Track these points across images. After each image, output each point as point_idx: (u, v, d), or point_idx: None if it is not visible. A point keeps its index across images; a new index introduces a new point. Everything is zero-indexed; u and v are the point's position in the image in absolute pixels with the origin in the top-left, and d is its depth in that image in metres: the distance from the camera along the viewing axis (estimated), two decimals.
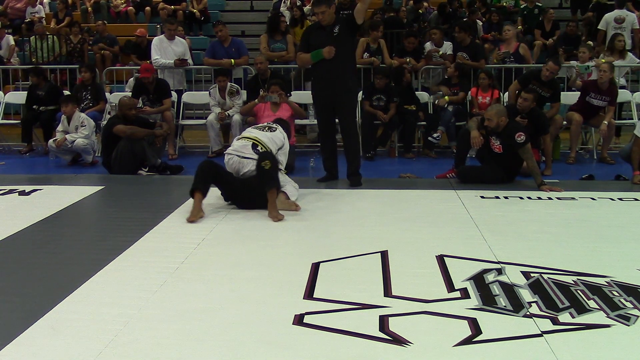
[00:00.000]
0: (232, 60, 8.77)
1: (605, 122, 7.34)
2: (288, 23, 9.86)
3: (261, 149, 5.14)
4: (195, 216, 4.78)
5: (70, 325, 2.93)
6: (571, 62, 8.93)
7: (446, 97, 8.15)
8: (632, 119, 8.24)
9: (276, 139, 5.34)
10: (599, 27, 10.35)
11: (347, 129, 6.15)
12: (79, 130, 7.57)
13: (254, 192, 5.03)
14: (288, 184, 5.32)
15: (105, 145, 7.12)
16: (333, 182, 6.21)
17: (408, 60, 8.76)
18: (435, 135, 8.05)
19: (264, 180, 4.91)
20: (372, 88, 8.10)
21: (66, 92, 8.82)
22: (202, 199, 4.92)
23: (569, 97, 8.19)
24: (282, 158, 5.36)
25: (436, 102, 8.30)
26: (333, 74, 5.90)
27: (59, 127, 7.70)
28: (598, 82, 7.47)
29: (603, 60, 8.14)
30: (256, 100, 7.39)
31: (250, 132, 5.42)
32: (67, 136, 7.55)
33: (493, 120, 5.96)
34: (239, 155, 5.11)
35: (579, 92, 7.79)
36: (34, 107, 8.51)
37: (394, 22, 10.69)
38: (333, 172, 6.26)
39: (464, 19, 10.58)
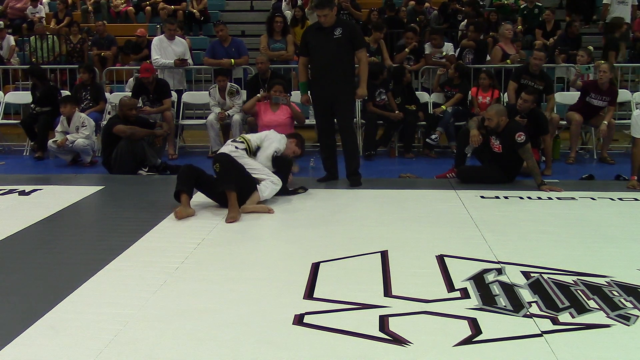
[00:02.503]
0: (232, 60, 8.78)
1: (605, 122, 7.35)
2: (289, 23, 9.85)
3: (239, 139, 5.45)
4: (182, 212, 4.83)
5: (70, 325, 2.93)
6: (569, 65, 8.90)
7: (443, 107, 8.17)
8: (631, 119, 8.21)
9: (262, 136, 5.55)
10: (603, 1, 10.61)
11: (346, 128, 6.14)
12: (79, 130, 7.57)
13: None
14: (267, 179, 5.25)
15: (105, 145, 7.11)
16: (333, 182, 6.21)
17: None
18: (433, 137, 8.04)
19: (218, 183, 5.05)
20: (371, 86, 8.06)
21: (66, 93, 8.81)
22: (189, 199, 4.99)
23: (569, 97, 8.18)
24: (262, 153, 5.42)
25: (433, 111, 8.33)
26: (332, 75, 5.91)
27: (58, 128, 7.69)
28: (598, 83, 7.49)
29: (603, 62, 8.13)
30: (258, 95, 7.32)
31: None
32: (68, 136, 7.55)
33: (493, 120, 5.96)
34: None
35: (579, 92, 7.80)
36: (31, 106, 8.50)
37: (394, 22, 10.69)
38: (333, 172, 6.26)
39: (474, 19, 10.51)
